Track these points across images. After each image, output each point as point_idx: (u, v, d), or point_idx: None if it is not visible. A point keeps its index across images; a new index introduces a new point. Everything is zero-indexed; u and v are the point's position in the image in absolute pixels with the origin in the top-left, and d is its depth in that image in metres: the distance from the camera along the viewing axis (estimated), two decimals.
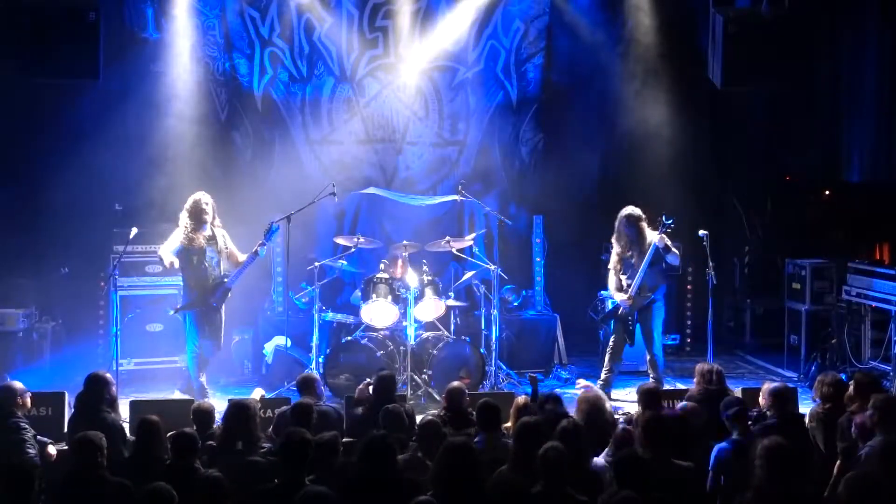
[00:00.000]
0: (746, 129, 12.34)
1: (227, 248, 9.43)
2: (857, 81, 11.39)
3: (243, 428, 6.60)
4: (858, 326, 10.72)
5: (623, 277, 9.65)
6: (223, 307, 9.41)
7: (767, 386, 7.32)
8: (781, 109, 11.96)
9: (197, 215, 9.23)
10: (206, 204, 9.27)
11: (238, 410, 6.69)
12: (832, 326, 10.82)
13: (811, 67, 11.56)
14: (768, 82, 10.99)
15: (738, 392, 7.82)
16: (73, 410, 7.57)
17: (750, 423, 6.81)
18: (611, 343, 9.83)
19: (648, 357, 9.67)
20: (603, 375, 9.74)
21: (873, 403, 6.42)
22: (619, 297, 9.66)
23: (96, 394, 7.29)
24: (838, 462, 6.20)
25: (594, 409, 6.89)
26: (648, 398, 7.25)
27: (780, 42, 10.65)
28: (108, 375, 7.50)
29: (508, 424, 7.10)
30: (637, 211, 9.64)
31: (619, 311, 9.72)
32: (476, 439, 6.56)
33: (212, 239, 9.32)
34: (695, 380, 7.64)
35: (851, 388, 7.06)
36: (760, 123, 12.24)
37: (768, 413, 7.04)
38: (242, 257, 9.42)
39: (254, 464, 6.24)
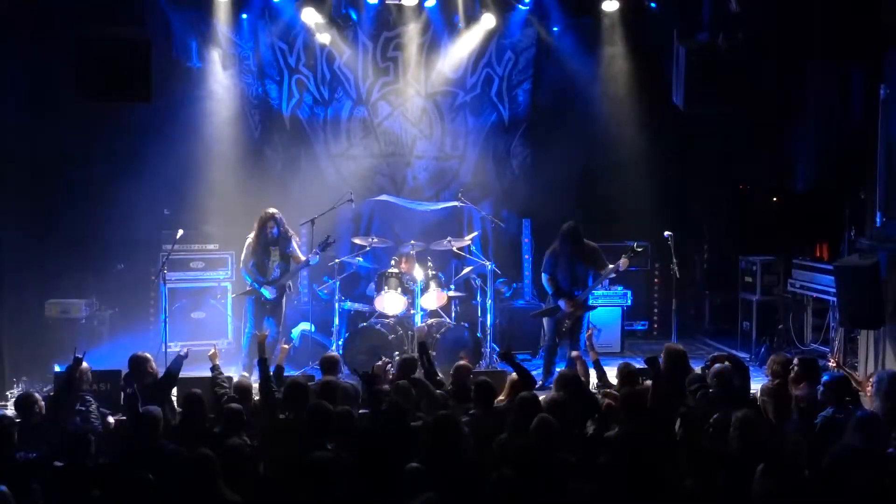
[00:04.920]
0: (706, 145, 12.30)
1: (290, 252, 9.52)
2: (799, 104, 11.37)
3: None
4: (802, 314, 10.75)
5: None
6: (283, 302, 9.52)
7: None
8: (736, 128, 11.89)
9: (260, 226, 9.40)
10: (270, 217, 9.38)
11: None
12: (779, 314, 10.84)
13: (761, 92, 11.54)
14: (724, 104, 10.98)
15: (697, 370, 7.79)
16: (123, 391, 7.55)
17: None
18: (547, 344, 9.50)
19: (573, 352, 8.81)
20: (544, 375, 9.22)
21: (825, 381, 6.52)
22: (567, 303, 9.17)
23: (139, 371, 7.38)
24: None
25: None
26: (628, 377, 7.28)
27: (735, 70, 10.63)
28: (146, 354, 7.57)
29: (502, 397, 7.13)
30: (579, 228, 9.39)
31: (557, 312, 9.31)
32: (472, 412, 6.57)
33: (275, 245, 9.42)
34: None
35: (795, 368, 7.08)
36: (718, 140, 12.21)
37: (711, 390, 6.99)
38: (302, 258, 9.55)
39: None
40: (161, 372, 7.58)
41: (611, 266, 9.21)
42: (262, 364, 7.27)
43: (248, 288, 9.52)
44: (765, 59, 10.88)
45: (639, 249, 9.19)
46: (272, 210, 9.50)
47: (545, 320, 9.54)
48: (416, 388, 6.93)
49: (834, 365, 8.18)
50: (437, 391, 7.10)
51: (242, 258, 9.59)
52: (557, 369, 8.23)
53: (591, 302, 9.46)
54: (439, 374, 7.77)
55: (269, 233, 9.40)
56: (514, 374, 7.34)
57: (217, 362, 7.65)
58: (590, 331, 8.62)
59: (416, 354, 8.02)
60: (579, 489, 5.18)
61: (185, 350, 7.81)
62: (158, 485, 5.22)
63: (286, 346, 8.18)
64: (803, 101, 11.02)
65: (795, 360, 7.16)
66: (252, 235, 9.48)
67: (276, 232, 9.43)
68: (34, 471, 5.59)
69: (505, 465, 5.25)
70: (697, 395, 6.80)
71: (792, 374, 7.01)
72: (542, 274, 9.45)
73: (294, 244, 9.63)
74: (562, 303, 9.26)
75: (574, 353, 8.31)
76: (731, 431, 5.64)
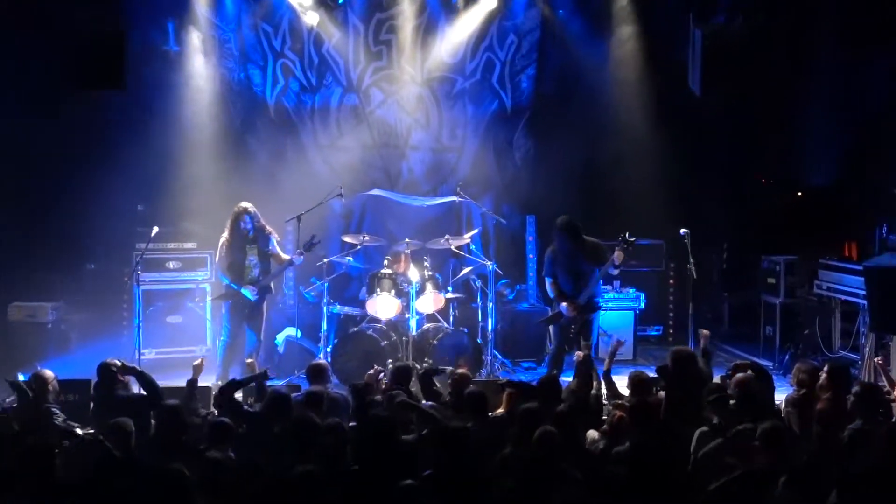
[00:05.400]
0: (724, 135, 12.24)
1: (270, 251, 9.36)
2: (822, 93, 11.31)
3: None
4: (829, 318, 10.61)
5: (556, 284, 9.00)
6: (263, 308, 9.36)
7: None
8: (754, 118, 11.89)
9: (233, 222, 9.23)
10: (242, 212, 9.22)
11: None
12: (804, 318, 10.70)
13: (784, 78, 11.48)
14: (742, 90, 10.91)
15: (717, 379, 7.69)
16: (93, 402, 7.48)
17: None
18: (552, 351, 9.27)
19: (586, 349, 8.64)
20: None
21: (856, 391, 6.43)
22: (567, 307, 8.87)
23: (108, 380, 7.27)
24: None
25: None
26: (639, 386, 7.16)
27: (752, 55, 10.57)
28: (117, 362, 7.42)
29: (501, 410, 7.04)
30: (576, 221, 9.06)
31: (562, 318, 8.99)
32: (469, 424, 6.48)
33: (252, 243, 9.26)
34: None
35: (824, 377, 6.99)
36: (735, 130, 12.15)
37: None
38: (285, 258, 9.39)
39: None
40: (132, 381, 7.49)
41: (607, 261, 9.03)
42: (234, 386, 7.21)
43: (224, 290, 9.37)
44: (784, 45, 10.86)
45: (631, 240, 8.92)
46: (245, 204, 9.30)
47: (551, 326, 9.42)
48: (405, 409, 6.81)
49: (881, 361, 8.10)
50: (429, 402, 7.03)
51: (217, 259, 9.46)
52: (565, 379, 8.08)
53: (600, 304, 9.29)
54: (436, 385, 7.68)
55: (243, 229, 9.22)
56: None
57: (197, 376, 7.53)
58: (620, 343, 8.37)
59: (411, 363, 7.94)
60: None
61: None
62: (129, 500, 5.13)
63: (250, 361, 8.06)
64: (827, 90, 10.99)
65: (825, 368, 7.09)
66: (226, 233, 9.30)
67: (251, 228, 9.24)
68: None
69: (508, 476, 5.28)
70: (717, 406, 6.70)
71: (820, 383, 6.92)
72: (545, 278, 9.27)
73: (274, 242, 9.46)
74: (563, 307, 8.98)
75: (577, 355, 8.08)
76: (755, 444, 5.59)
